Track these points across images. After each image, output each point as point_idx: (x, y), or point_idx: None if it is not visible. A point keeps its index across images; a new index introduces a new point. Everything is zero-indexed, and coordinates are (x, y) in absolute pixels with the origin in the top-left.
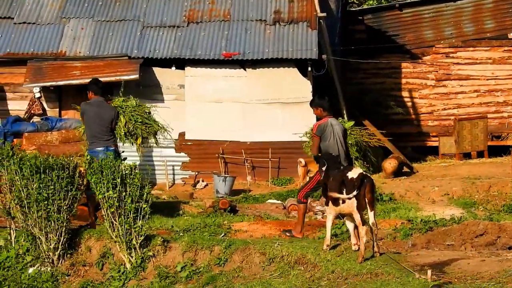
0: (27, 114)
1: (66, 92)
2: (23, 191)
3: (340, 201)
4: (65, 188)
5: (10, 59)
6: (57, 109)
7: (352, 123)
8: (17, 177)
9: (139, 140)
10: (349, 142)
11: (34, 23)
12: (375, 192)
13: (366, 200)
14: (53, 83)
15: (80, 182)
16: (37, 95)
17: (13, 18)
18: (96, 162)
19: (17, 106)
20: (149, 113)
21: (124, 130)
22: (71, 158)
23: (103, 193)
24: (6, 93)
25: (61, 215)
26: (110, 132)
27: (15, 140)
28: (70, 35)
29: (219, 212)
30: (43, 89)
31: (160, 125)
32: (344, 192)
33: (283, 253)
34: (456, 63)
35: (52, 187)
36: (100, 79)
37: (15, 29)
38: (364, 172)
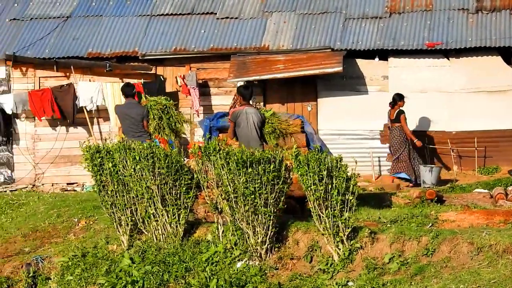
0: (232, 109)
1: (270, 86)
2: (230, 185)
3: None
4: (272, 182)
5: (213, 54)
6: (262, 103)
7: None
8: (224, 172)
9: (167, 132)
10: None
11: (236, 18)
12: None
13: None
14: (257, 77)
15: (287, 176)
16: None
17: (215, 13)
18: (302, 156)
19: (221, 101)
20: (174, 109)
21: (152, 126)
22: (277, 152)
23: (310, 185)
24: (210, 88)
25: (268, 208)
26: (141, 128)
27: (220, 135)
28: (272, 29)
29: (426, 203)
30: (247, 83)
31: (186, 120)
32: None
33: (491, 242)
34: None
35: (258, 181)
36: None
37: (218, 24)
38: None
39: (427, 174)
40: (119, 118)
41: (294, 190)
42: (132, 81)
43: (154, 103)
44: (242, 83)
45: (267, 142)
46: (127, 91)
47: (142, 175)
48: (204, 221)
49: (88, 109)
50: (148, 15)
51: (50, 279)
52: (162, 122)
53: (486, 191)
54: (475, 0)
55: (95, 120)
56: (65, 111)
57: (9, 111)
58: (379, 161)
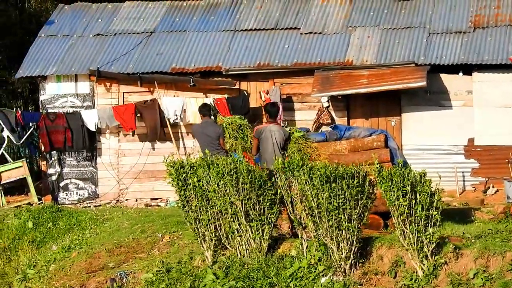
0: (315, 124)
1: (354, 100)
2: (313, 200)
3: None
4: (355, 197)
5: (297, 69)
6: (345, 118)
7: None
8: (308, 187)
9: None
10: None
11: (320, 33)
12: None
13: None
14: (341, 92)
15: (371, 191)
16: (325, 104)
17: (299, 29)
18: (385, 171)
19: (305, 116)
20: (248, 127)
21: (228, 144)
22: (361, 167)
23: (393, 201)
24: (294, 103)
25: (352, 224)
26: (218, 146)
27: None
28: (356, 44)
29: (511, 218)
30: (331, 98)
31: None
32: None
33: None
34: None
35: (342, 196)
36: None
37: (302, 39)
38: None
39: (511, 189)
40: (196, 137)
41: (378, 205)
42: (216, 96)
43: (229, 123)
44: (326, 98)
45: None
46: (204, 111)
47: (225, 190)
48: (288, 237)
49: (172, 121)
50: (231, 30)
51: None
52: (237, 142)
53: None
54: None
55: (179, 135)
56: (148, 126)
57: (92, 128)
58: (463, 176)
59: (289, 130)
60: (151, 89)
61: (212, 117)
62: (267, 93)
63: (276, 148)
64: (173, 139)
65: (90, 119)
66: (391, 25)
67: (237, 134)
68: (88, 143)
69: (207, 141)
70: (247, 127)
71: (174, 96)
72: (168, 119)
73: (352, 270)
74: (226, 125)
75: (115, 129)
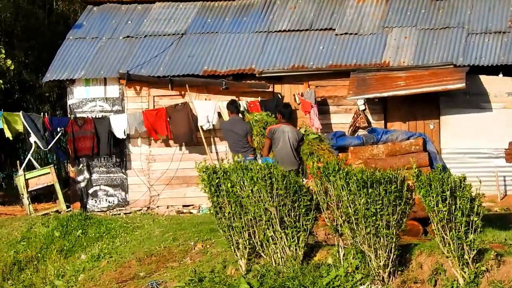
0: (351, 128)
1: (391, 103)
2: (350, 207)
3: None
4: (393, 203)
5: (332, 71)
6: (382, 121)
7: None
8: (344, 193)
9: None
10: None
11: (356, 34)
12: None
13: None
14: (378, 95)
15: (409, 196)
16: (362, 107)
17: (334, 30)
18: (424, 175)
19: (340, 120)
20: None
21: (256, 141)
22: (399, 171)
23: (433, 206)
24: (329, 106)
25: (390, 230)
26: (246, 143)
27: (340, 154)
28: (393, 45)
29: None
30: (367, 101)
31: None
32: None
33: None
34: None
35: (380, 202)
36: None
37: (337, 40)
38: None
39: None
40: (224, 135)
41: (417, 211)
42: (249, 99)
43: (256, 120)
44: (362, 101)
45: (302, 160)
46: (232, 107)
47: (260, 197)
48: (324, 244)
49: (205, 129)
50: (265, 31)
51: None
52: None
53: None
54: None
55: (211, 139)
56: (179, 131)
57: (121, 135)
58: (505, 180)
59: (304, 131)
60: (182, 92)
61: (240, 115)
62: (302, 95)
63: (289, 148)
64: (205, 144)
65: (119, 124)
66: (429, 25)
67: (264, 132)
68: (113, 149)
69: (235, 139)
70: (269, 119)
71: (205, 99)
72: (201, 124)
73: (391, 278)
74: (254, 122)
75: (146, 133)
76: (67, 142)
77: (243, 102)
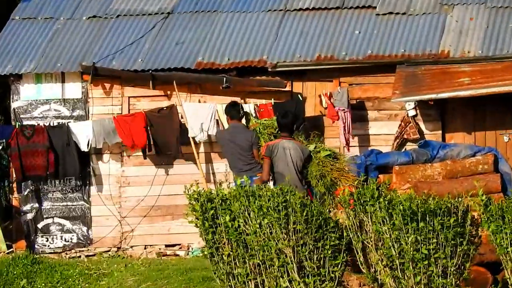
0: (398, 140)
1: (452, 107)
2: (393, 247)
3: None
4: (452, 242)
5: (372, 63)
6: (439, 132)
7: None
8: (386, 227)
9: None
10: None
11: (404, 14)
12: None
13: None
14: (434, 96)
15: (474, 233)
16: (411, 112)
17: (375, 7)
18: (494, 205)
19: (382, 129)
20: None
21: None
22: (460, 199)
23: (506, 247)
24: (368, 112)
25: (448, 280)
26: (251, 159)
27: (381, 176)
28: (454, 29)
29: None
30: (419, 105)
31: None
32: None
33: None
34: None
35: (434, 240)
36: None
37: (379, 22)
38: None
39: None
40: (222, 147)
41: (485, 253)
42: (258, 101)
43: (265, 125)
44: (412, 104)
45: (310, 185)
46: (233, 112)
47: (271, 233)
48: None
49: (198, 141)
50: (281, 9)
51: None
52: None
53: None
54: None
55: (205, 156)
56: (163, 144)
57: (84, 148)
58: None
59: (315, 147)
60: (168, 92)
61: (243, 120)
62: (330, 97)
63: (293, 170)
64: (197, 161)
65: (82, 135)
66: (502, 2)
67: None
68: (78, 169)
69: (236, 153)
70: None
71: (200, 101)
72: (193, 135)
73: None
74: (262, 129)
75: (117, 148)
76: (10, 159)
77: (251, 105)
